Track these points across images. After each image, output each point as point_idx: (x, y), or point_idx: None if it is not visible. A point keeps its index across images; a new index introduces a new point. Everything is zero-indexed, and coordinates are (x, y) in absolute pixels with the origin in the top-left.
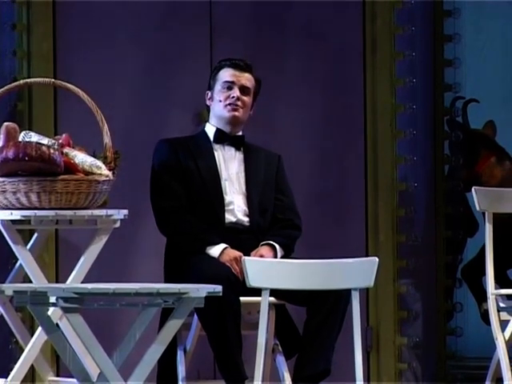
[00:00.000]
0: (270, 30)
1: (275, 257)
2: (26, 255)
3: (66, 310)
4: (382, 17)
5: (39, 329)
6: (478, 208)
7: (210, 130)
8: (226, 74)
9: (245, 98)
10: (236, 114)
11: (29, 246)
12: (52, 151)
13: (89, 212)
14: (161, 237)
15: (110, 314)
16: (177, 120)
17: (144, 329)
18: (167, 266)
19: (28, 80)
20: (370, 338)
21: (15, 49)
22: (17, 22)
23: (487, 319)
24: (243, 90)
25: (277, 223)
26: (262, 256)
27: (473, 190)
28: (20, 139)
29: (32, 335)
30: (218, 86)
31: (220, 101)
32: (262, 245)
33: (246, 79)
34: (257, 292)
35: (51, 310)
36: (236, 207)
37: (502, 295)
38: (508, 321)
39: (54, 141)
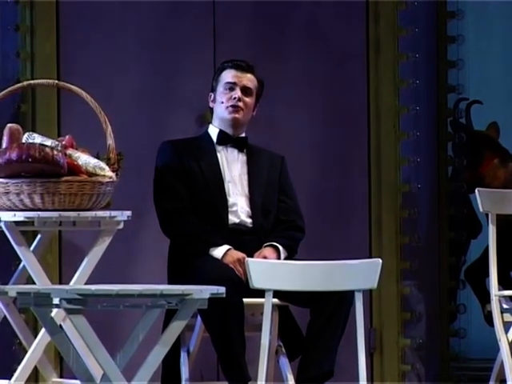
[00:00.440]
0: (273, 30)
1: (278, 258)
2: (29, 257)
3: (69, 312)
4: (385, 18)
5: (42, 330)
6: (481, 209)
7: (213, 131)
8: (227, 75)
9: (246, 99)
10: (237, 115)
11: (32, 248)
12: (55, 153)
13: (92, 213)
14: (164, 238)
15: (113, 316)
16: (180, 121)
17: (147, 330)
18: (171, 267)
19: (31, 81)
20: (374, 340)
21: (18, 50)
22: (20, 23)
23: (491, 321)
24: (245, 90)
25: (280, 225)
26: (265, 257)
27: (476, 191)
28: (23, 141)
29: (35, 336)
30: (220, 88)
31: (222, 102)
32: (266, 246)
33: (248, 80)
34: (260, 293)
35: (54, 312)
36: (239, 209)
37: (505, 297)
38: (511, 322)
39: (57, 142)
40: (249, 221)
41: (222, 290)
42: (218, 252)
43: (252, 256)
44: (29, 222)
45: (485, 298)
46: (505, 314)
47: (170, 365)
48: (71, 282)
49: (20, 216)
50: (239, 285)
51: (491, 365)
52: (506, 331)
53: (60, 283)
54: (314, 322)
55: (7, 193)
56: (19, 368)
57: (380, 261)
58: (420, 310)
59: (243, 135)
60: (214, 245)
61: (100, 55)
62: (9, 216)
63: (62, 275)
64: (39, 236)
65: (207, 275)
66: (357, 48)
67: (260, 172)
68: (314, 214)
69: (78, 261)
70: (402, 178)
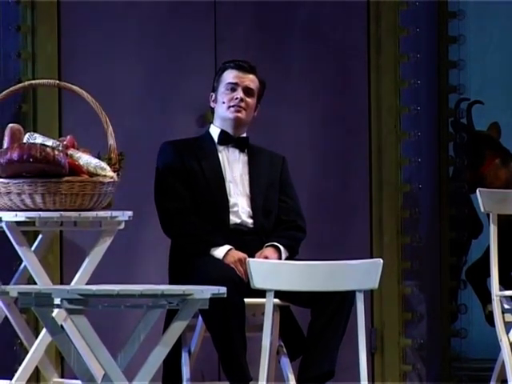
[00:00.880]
0: (274, 30)
1: (280, 258)
2: (30, 257)
3: (70, 312)
4: (386, 18)
5: (44, 330)
6: (482, 209)
7: (215, 131)
8: (229, 76)
9: (248, 100)
10: (239, 115)
11: (33, 248)
12: (56, 153)
13: (93, 213)
14: (165, 238)
15: (114, 316)
16: (181, 121)
17: (148, 330)
18: (172, 267)
19: (33, 81)
20: (375, 340)
21: (20, 50)
22: (21, 23)
23: (492, 321)
24: (247, 91)
25: (281, 225)
26: (266, 257)
27: (477, 191)
28: (25, 141)
29: (36, 337)
30: (221, 88)
31: (223, 102)
32: (267, 246)
33: (250, 80)
34: (261, 293)
35: (56, 312)
36: (240, 209)
37: (506, 297)
38: None
39: (58, 142)
40: (250, 221)
41: (223, 290)
42: (219, 252)
43: (253, 256)
44: (30, 222)
45: (486, 298)
46: (506, 314)
47: (171, 365)
48: (72, 282)
49: (21, 216)
50: (240, 285)
51: (492, 365)
52: (507, 331)
53: (61, 283)
54: (315, 322)
55: (8, 193)
56: (20, 368)
57: (381, 261)
58: (421, 310)
59: (244, 135)
60: (215, 245)
61: (101, 55)
62: (10, 216)
63: (63, 275)
64: (40, 236)
65: (208, 275)
66: (358, 48)
67: (261, 172)
68: (314, 213)
69: (79, 261)
70: (403, 178)
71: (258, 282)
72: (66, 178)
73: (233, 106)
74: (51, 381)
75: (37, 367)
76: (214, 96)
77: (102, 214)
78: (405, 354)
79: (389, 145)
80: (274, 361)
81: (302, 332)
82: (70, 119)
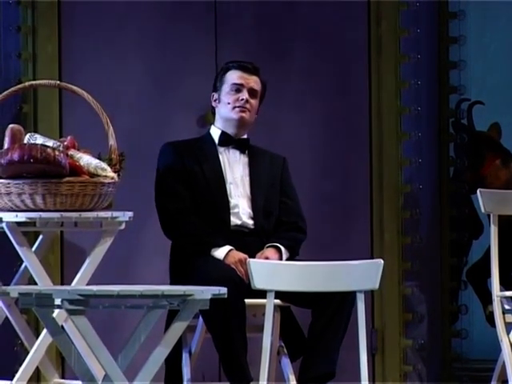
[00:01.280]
0: (275, 31)
1: (280, 259)
2: (31, 257)
3: (71, 312)
4: (387, 19)
5: (44, 331)
6: (483, 210)
7: (215, 132)
8: (234, 76)
9: (252, 101)
10: (244, 115)
11: (34, 248)
12: (57, 153)
13: (94, 214)
14: (166, 239)
15: (115, 316)
16: (181, 122)
17: (149, 331)
18: (172, 267)
19: (33, 82)
20: (375, 340)
21: (20, 51)
22: (22, 24)
23: (492, 321)
24: (251, 92)
25: (281, 226)
26: (267, 258)
27: (478, 192)
28: (25, 141)
29: (37, 337)
30: (225, 88)
31: (228, 103)
32: (268, 247)
33: (255, 82)
34: (262, 294)
35: (56, 312)
36: (241, 210)
37: (507, 297)
38: None
39: (59, 143)
40: (250, 222)
41: (223, 290)
42: (220, 253)
43: (254, 257)
44: (30, 223)
45: (486, 298)
46: (506, 315)
47: (172, 366)
48: (73, 283)
49: (22, 217)
50: (241, 285)
51: (493, 365)
52: (508, 332)
53: (62, 284)
54: (316, 323)
55: (9, 193)
56: (21, 369)
57: (382, 261)
58: (422, 311)
59: (245, 136)
60: (215, 245)
61: (101, 56)
62: (10, 217)
63: (63, 276)
64: (41, 237)
65: (209, 276)
66: (358, 49)
67: (262, 173)
68: (315, 214)
69: (79, 261)
70: (404, 179)
71: (258, 283)
72: (67, 179)
73: (238, 107)
74: (52, 381)
75: (37, 368)
76: (215, 96)
77: (102, 214)
78: (405, 354)
79: (389, 145)
80: (274, 361)
81: (302, 332)
82: (70, 120)
